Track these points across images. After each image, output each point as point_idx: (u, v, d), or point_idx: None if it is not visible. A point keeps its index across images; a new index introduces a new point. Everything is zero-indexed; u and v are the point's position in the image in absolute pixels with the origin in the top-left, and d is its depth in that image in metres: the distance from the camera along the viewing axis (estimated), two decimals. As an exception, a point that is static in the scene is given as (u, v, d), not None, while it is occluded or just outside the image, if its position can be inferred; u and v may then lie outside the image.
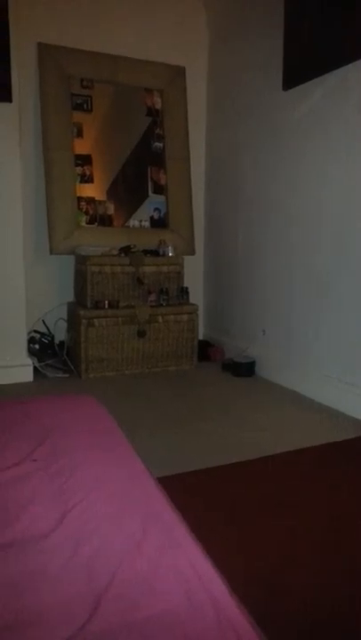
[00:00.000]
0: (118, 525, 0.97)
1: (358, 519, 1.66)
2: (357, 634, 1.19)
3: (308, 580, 1.36)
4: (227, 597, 0.79)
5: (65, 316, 3.58)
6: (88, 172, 3.55)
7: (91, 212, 3.56)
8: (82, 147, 3.53)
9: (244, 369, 3.32)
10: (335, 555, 1.48)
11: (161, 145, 3.75)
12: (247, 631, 0.72)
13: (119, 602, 0.76)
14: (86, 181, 3.55)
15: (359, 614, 1.25)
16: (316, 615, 1.24)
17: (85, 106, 3.54)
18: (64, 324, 3.57)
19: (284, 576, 1.37)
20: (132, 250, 3.42)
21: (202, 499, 1.75)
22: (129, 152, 3.69)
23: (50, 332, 3.50)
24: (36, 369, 3.24)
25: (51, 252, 3.42)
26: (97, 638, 0.70)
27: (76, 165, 3.50)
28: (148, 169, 3.74)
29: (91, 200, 3.56)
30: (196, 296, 3.77)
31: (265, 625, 0.76)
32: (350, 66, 2.49)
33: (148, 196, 3.73)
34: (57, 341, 3.51)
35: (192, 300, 3.59)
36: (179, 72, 3.76)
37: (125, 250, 3.42)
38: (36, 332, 3.46)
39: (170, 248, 3.52)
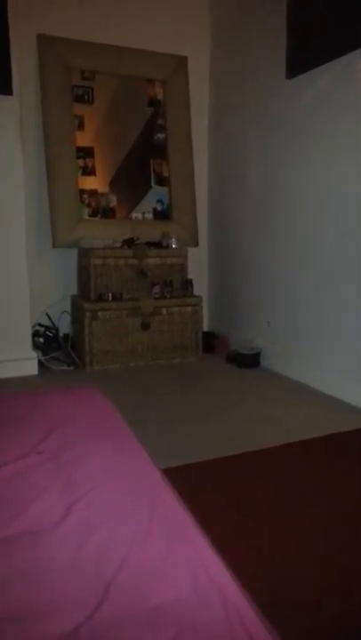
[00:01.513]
0: (125, 516, 0.97)
1: (364, 509, 1.66)
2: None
3: (316, 571, 1.37)
4: (233, 587, 0.79)
5: (69, 309, 3.59)
6: (90, 165, 3.54)
7: (93, 204, 3.55)
8: (83, 139, 3.51)
9: (250, 360, 3.31)
10: (345, 545, 1.48)
11: (163, 136, 3.73)
12: (253, 620, 0.73)
13: (127, 591, 0.77)
14: (88, 174, 3.54)
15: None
16: (323, 606, 1.24)
17: (86, 97, 3.52)
18: (68, 317, 3.58)
19: (291, 567, 1.38)
20: (136, 242, 3.41)
21: (207, 489, 1.76)
22: (131, 144, 3.67)
23: (54, 325, 3.51)
24: (40, 362, 3.25)
25: (54, 246, 3.42)
26: (106, 626, 0.71)
27: (78, 158, 3.49)
28: (151, 160, 3.72)
29: (93, 192, 3.55)
30: (201, 288, 3.76)
31: (271, 615, 0.77)
32: (355, 52, 2.46)
33: (150, 187, 3.72)
34: (61, 334, 3.52)
35: (196, 291, 3.58)
36: (181, 62, 3.73)
37: (129, 242, 3.41)
38: (40, 325, 3.47)
39: (173, 240, 3.51)
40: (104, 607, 0.74)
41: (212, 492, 1.75)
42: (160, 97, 3.71)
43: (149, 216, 3.70)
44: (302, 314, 3.00)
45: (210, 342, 3.68)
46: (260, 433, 2.28)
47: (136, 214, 3.67)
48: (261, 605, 0.77)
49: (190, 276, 3.55)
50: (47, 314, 3.51)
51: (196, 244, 3.80)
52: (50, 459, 1.21)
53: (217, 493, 1.74)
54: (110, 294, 3.29)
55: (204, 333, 3.65)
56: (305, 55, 2.77)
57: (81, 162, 3.50)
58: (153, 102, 3.70)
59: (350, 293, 2.62)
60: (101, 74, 3.53)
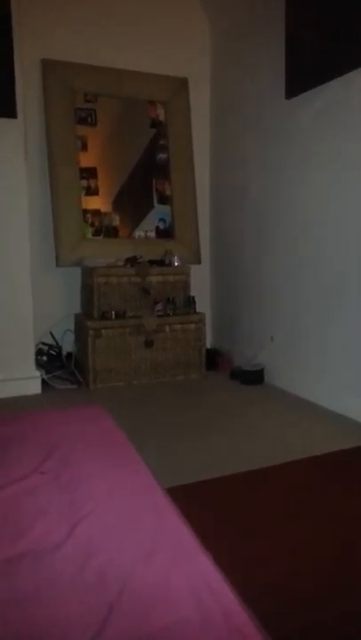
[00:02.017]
0: (128, 536, 0.97)
1: (370, 527, 1.64)
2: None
3: (319, 591, 1.35)
4: (237, 607, 0.78)
5: (72, 328, 3.60)
6: (93, 185, 3.59)
7: (96, 223, 3.59)
8: (87, 160, 3.56)
9: (253, 377, 3.31)
10: (349, 565, 1.46)
11: (165, 156, 3.78)
12: (258, 641, 0.72)
13: (130, 613, 0.76)
14: (92, 194, 3.58)
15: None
16: (327, 627, 1.22)
17: (90, 119, 3.58)
18: (71, 336, 3.59)
19: (295, 586, 1.36)
20: (138, 260, 3.44)
21: (212, 508, 1.74)
22: (134, 164, 3.72)
23: (57, 344, 3.52)
24: (44, 381, 3.25)
25: (57, 265, 3.45)
26: (108, 650, 0.70)
27: (82, 178, 3.54)
28: (153, 180, 3.77)
29: (96, 212, 3.59)
30: (203, 305, 3.78)
31: (275, 635, 0.75)
32: (353, 73, 2.50)
33: (153, 206, 3.76)
34: (65, 353, 3.53)
35: (199, 308, 3.59)
36: (182, 83, 3.80)
37: (131, 260, 3.44)
38: (43, 343, 3.48)
39: (176, 258, 3.53)
40: (106, 630, 0.73)
41: (216, 511, 1.73)
42: (162, 118, 3.77)
43: (152, 234, 3.74)
44: (305, 329, 3.00)
45: (213, 359, 3.68)
46: (264, 451, 2.27)
47: (139, 233, 3.71)
48: (265, 625, 0.76)
49: (193, 293, 3.56)
50: (51, 332, 3.52)
51: (198, 261, 3.82)
52: (53, 478, 1.20)
53: (219, 512, 1.73)
54: (113, 312, 3.30)
55: (208, 350, 3.65)
56: (303, 75, 2.82)
57: (84, 182, 3.55)
58: (155, 123, 3.76)
59: (353, 308, 2.63)
60: (104, 96, 3.60)
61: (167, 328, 3.40)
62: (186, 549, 0.93)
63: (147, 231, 3.73)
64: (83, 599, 0.80)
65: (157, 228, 3.75)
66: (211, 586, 0.83)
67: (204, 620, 0.75)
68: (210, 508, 1.74)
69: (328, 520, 1.69)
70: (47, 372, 3.33)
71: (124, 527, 1.00)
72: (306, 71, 2.79)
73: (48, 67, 3.44)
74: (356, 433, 2.44)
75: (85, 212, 3.55)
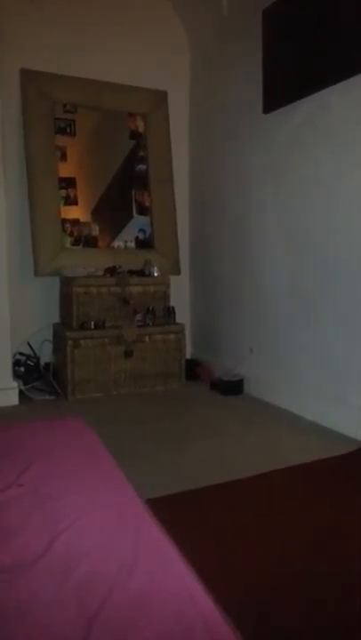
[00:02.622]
0: (108, 549, 0.96)
1: (353, 532, 1.66)
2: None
3: (306, 598, 1.35)
4: (218, 618, 0.78)
5: (50, 338, 3.56)
6: (72, 195, 3.58)
7: (75, 233, 3.57)
8: (66, 170, 3.56)
9: (233, 387, 3.32)
10: (333, 570, 1.47)
11: (145, 167, 3.80)
12: (241, 653, 0.71)
13: (111, 626, 0.75)
14: (70, 204, 3.57)
15: (351, 631, 1.24)
16: (314, 634, 1.22)
17: (69, 130, 3.58)
18: (50, 346, 3.55)
19: (276, 596, 1.36)
20: (118, 270, 3.43)
21: (192, 519, 1.73)
22: (113, 174, 3.73)
23: (35, 354, 3.47)
24: (21, 392, 3.20)
25: (36, 274, 3.42)
26: (89, 666, 0.69)
27: (61, 188, 3.53)
28: (133, 191, 3.78)
29: (75, 222, 3.58)
30: (183, 315, 3.78)
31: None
32: (330, 88, 2.56)
33: (132, 217, 3.77)
34: (43, 363, 3.48)
35: (179, 319, 3.60)
36: (161, 96, 3.84)
37: (111, 270, 3.43)
38: (21, 354, 3.43)
39: (155, 268, 3.54)
40: (87, 644, 0.72)
41: (196, 521, 1.73)
42: (141, 130, 3.80)
43: (131, 245, 3.74)
44: (284, 341, 3.03)
45: (193, 370, 3.68)
46: (243, 461, 2.27)
47: (118, 243, 3.71)
48: (248, 635, 0.76)
49: (172, 303, 3.57)
50: (28, 343, 3.48)
51: (178, 272, 3.84)
52: (31, 491, 1.18)
53: (201, 523, 1.72)
54: (93, 322, 3.28)
55: (187, 361, 3.65)
56: (281, 91, 2.87)
57: (63, 192, 3.54)
58: (134, 135, 3.79)
59: (331, 320, 2.67)
60: (83, 107, 3.61)
61: (147, 338, 3.39)
62: (167, 561, 0.93)
63: (126, 241, 3.73)
64: (62, 615, 0.79)
65: (137, 238, 3.76)
66: (193, 597, 0.82)
67: (185, 632, 0.75)
68: (191, 518, 1.73)
69: (307, 528, 1.69)
70: (25, 383, 3.29)
71: (104, 540, 0.99)
72: (283, 87, 2.85)
73: (27, 77, 3.44)
74: (335, 442, 2.46)
75: (64, 221, 3.53)
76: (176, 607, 0.79)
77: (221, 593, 0.87)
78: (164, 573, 0.89)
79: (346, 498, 1.92)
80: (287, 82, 2.81)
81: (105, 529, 1.03)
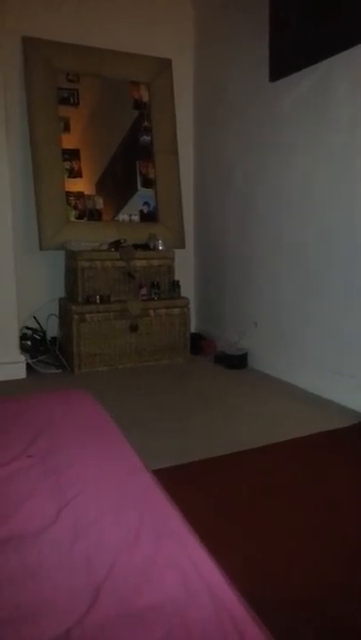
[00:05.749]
0: (115, 518, 0.98)
1: (352, 506, 1.69)
2: (357, 622, 1.21)
3: (305, 568, 1.38)
4: (223, 585, 0.80)
5: (56, 312, 3.57)
6: (76, 167, 3.53)
7: (80, 206, 3.54)
8: (69, 141, 3.50)
9: (237, 361, 3.33)
10: (332, 543, 1.50)
11: (149, 138, 3.74)
12: (244, 618, 0.74)
13: (117, 593, 0.78)
14: (74, 176, 3.53)
15: (357, 602, 1.27)
16: (314, 603, 1.26)
17: (72, 100, 3.51)
18: (56, 320, 3.57)
19: (280, 564, 1.40)
20: (122, 244, 3.41)
21: (197, 490, 1.76)
22: (117, 146, 3.67)
23: (42, 328, 3.49)
24: (28, 365, 3.23)
25: (40, 248, 3.41)
26: (96, 629, 0.71)
27: (64, 160, 3.48)
28: (137, 162, 3.72)
29: (79, 195, 3.55)
30: (188, 289, 3.78)
31: (262, 612, 0.78)
32: (337, 57, 2.49)
33: (137, 189, 3.72)
34: (49, 337, 3.51)
35: (183, 293, 3.59)
36: (165, 65, 3.74)
37: (115, 244, 3.41)
38: (27, 328, 3.45)
39: (160, 242, 3.51)
40: (94, 610, 0.74)
41: (202, 492, 1.76)
42: (145, 99, 3.72)
43: (136, 218, 3.71)
44: (288, 314, 3.02)
45: (198, 343, 3.69)
46: (247, 433, 2.30)
47: (123, 216, 3.68)
48: (252, 602, 0.78)
49: (177, 277, 3.56)
50: (34, 317, 3.49)
51: (182, 245, 3.81)
52: (39, 462, 1.21)
53: (207, 494, 1.75)
54: (98, 297, 3.28)
55: (192, 335, 3.66)
56: (288, 58, 2.79)
57: (67, 164, 3.49)
58: (138, 104, 3.71)
59: (335, 293, 2.65)
60: (86, 76, 3.53)
61: (152, 312, 3.40)
62: (172, 530, 0.95)
63: (131, 214, 3.69)
64: (70, 582, 0.81)
65: (141, 211, 3.72)
66: (197, 565, 0.84)
67: (190, 598, 0.77)
68: (196, 489, 1.76)
69: (308, 501, 1.72)
70: (32, 357, 3.32)
71: (110, 509, 1.01)
72: (290, 54, 2.77)
73: (29, 44, 3.35)
74: (338, 415, 2.49)
75: (68, 194, 3.50)
76: (181, 574, 0.81)
77: (224, 560, 0.89)
78: (169, 541, 0.91)
79: (347, 471, 1.95)
80: (295, 49, 2.73)
81: (111, 498, 1.05)
